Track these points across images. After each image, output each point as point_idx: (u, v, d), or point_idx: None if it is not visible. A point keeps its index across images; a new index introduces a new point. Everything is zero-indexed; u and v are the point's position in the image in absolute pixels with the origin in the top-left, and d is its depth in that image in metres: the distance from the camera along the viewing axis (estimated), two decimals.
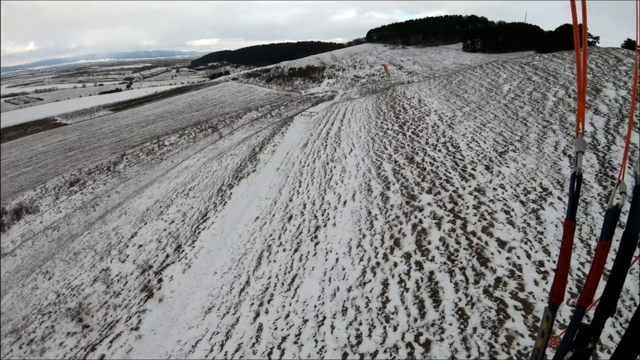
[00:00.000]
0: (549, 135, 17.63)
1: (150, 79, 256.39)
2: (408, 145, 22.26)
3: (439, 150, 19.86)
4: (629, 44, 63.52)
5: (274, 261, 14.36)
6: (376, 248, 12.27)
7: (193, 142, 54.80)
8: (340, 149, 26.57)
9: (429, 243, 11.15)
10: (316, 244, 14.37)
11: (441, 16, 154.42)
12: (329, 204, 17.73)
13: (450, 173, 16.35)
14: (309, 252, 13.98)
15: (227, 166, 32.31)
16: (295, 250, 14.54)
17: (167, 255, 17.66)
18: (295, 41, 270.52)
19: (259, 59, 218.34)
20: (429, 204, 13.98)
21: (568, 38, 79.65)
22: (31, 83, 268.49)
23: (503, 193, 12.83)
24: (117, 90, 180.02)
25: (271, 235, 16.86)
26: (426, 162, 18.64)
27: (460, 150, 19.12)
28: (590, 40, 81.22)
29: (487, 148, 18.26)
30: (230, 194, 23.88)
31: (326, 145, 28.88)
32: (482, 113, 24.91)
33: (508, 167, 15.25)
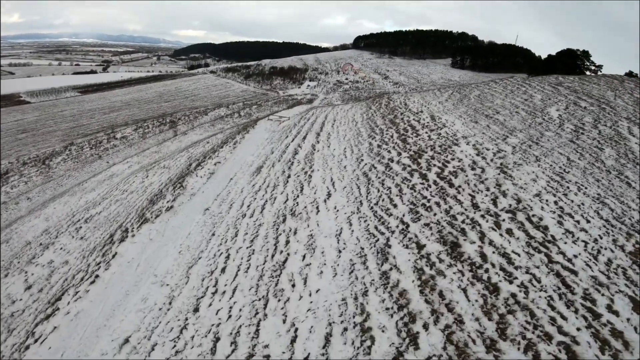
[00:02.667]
0: None
1: (129, 63, 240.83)
2: (437, 204, 11.67)
3: (509, 233, 9.54)
4: (630, 75, 57.04)
5: None
6: None
7: (142, 139, 45.61)
8: (311, 187, 15.89)
9: None
10: None
11: (431, 30, 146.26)
12: None
13: (556, 308, 6.91)
14: None
15: (149, 187, 22.25)
16: None
17: None
18: (281, 41, 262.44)
19: (243, 55, 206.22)
20: None
21: (569, 64, 72.10)
22: (9, 55, 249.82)
23: None
24: (92, 72, 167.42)
25: None
26: (491, 265, 8.37)
27: (553, 236, 9.25)
28: (594, 68, 72.92)
29: (601, 237, 9.12)
30: (114, 255, 13.06)
31: (289, 175, 18.20)
32: (544, 152, 14.99)
33: None
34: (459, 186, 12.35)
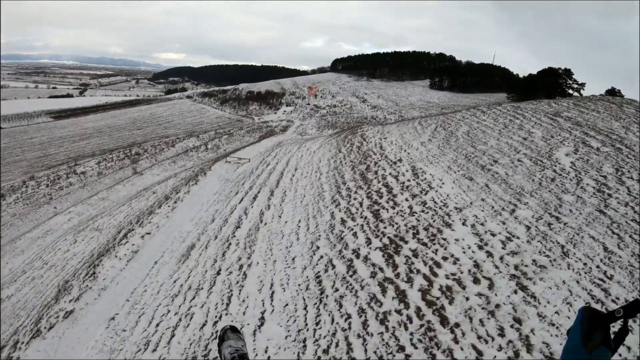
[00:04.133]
0: None
1: (107, 87, 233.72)
2: None
3: None
4: (612, 92, 53.77)
5: None
6: None
7: (98, 177, 41.76)
8: (241, 301, 10.89)
9: None
10: None
11: (408, 51, 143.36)
12: None
13: None
14: None
15: (70, 260, 18.64)
16: None
17: None
18: (260, 64, 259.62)
19: (221, 78, 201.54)
20: None
21: (551, 83, 68.53)
22: None
23: None
24: (68, 95, 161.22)
25: None
26: None
27: None
28: (576, 86, 69.67)
29: None
30: None
31: (219, 271, 13.07)
32: (571, 236, 9.90)
33: None
34: (457, 324, 7.29)
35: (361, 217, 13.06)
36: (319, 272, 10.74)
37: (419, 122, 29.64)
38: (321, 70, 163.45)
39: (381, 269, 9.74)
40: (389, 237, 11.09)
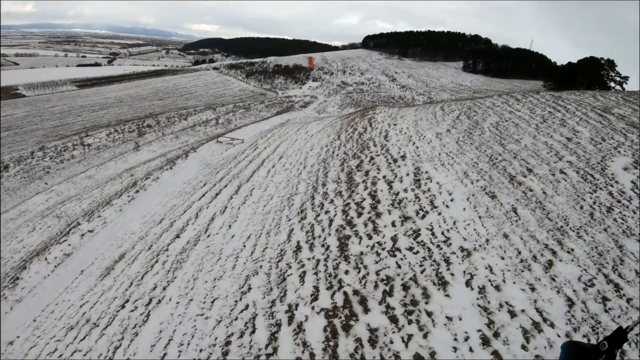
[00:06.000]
0: None
1: (137, 56, 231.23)
2: None
3: None
4: None
5: None
6: None
7: (98, 151, 38.31)
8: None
9: None
10: None
11: (443, 31, 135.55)
12: None
13: None
14: None
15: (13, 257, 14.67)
16: None
17: None
18: (291, 38, 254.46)
19: (252, 51, 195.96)
20: None
21: (592, 73, 63.09)
22: (18, 45, 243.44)
23: None
24: (96, 64, 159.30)
25: None
26: None
27: None
28: (619, 79, 63.55)
29: None
30: None
31: (125, 302, 9.55)
32: None
33: None
34: None
35: (322, 246, 8.95)
36: (231, 335, 6.85)
37: (440, 107, 24.95)
38: (352, 46, 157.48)
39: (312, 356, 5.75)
40: (344, 294, 6.97)
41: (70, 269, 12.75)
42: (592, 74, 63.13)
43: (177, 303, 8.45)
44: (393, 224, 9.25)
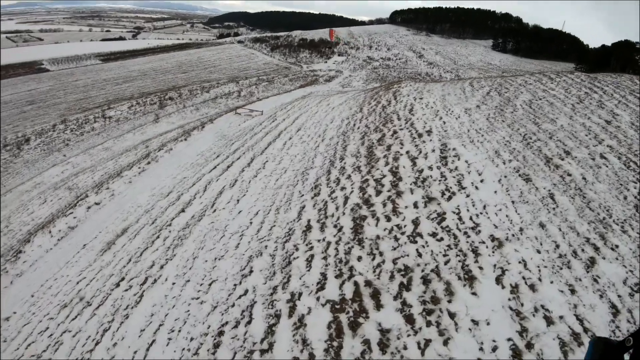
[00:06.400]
0: None
1: (161, 30, 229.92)
2: None
3: None
4: None
5: None
6: None
7: (118, 123, 38.00)
8: (108, 349, 6.64)
9: None
10: None
11: (473, 8, 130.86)
12: None
13: None
14: None
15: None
16: None
17: None
18: (317, 12, 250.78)
19: (277, 25, 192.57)
20: None
21: (627, 57, 60.40)
22: (42, 21, 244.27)
23: None
24: (121, 38, 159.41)
25: None
26: None
27: None
28: None
29: None
30: None
31: (121, 278, 8.93)
32: None
33: None
34: None
35: (334, 227, 8.00)
36: (226, 324, 6.03)
37: (469, 83, 23.47)
38: (379, 21, 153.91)
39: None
40: (355, 284, 6.05)
41: (74, 243, 12.19)
42: (627, 58, 60.61)
43: (173, 284, 7.70)
44: (415, 205, 8.19)
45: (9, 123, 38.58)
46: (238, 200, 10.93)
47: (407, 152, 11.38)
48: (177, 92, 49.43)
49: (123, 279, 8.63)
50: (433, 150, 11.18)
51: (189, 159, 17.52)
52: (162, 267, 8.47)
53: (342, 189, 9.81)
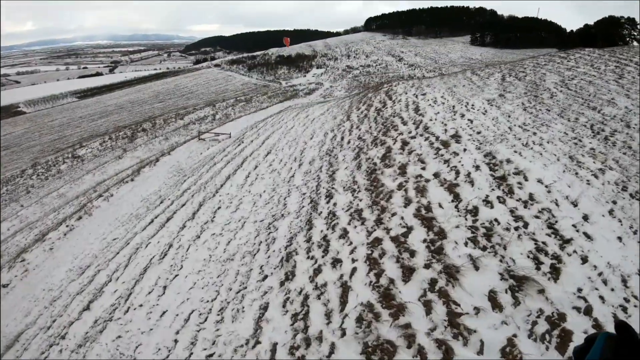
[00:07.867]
0: None
1: (138, 62, 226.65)
2: None
3: None
4: None
5: None
6: None
7: (82, 163, 33.19)
8: None
9: None
10: None
11: (446, 7, 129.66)
12: None
13: None
14: None
15: None
16: None
17: None
18: (292, 29, 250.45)
19: (253, 45, 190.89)
20: None
21: (612, 33, 58.58)
22: (20, 64, 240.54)
23: None
24: (98, 74, 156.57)
25: None
26: None
27: None
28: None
29: None
30: None
31: None
32: None
33: None
34: None
35: None
36: None
37: (471, 72, 19.46)
38: (354, 30, 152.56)
39: None
40: None
41: None
42: (613, 34, 59.00)
43: None
44: (495, 304, 3.83)
45: None
46: (165, 288, 6.55)
47: (436, 176, 7.07)
48: (151, 123, 45.68)
49: None
50: (476, 167, 6.88)
51: (128, 209, 13.16)
52: None
53: (335, 263, 5.44)
